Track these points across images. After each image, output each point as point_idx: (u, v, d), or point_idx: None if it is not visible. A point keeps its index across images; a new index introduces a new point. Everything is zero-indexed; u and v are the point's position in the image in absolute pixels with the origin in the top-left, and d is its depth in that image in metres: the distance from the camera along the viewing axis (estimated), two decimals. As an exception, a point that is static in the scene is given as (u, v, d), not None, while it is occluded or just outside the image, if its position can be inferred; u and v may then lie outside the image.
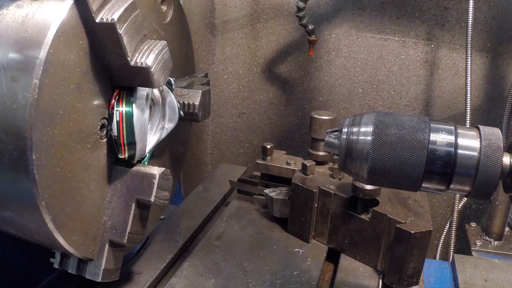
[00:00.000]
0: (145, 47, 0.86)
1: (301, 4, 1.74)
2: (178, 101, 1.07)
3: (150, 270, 1.16)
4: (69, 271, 0.96)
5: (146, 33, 0.87)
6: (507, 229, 1.76)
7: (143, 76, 0.87)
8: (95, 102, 0.88)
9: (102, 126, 0.91)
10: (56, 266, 0.96)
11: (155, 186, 0.92)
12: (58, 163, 0.82)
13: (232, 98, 2.27)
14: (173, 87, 1.07)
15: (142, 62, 0.84)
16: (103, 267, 0.94)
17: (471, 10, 1.57)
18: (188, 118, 1.12)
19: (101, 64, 0.86)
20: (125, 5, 0.81)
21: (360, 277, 1.18)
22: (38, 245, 0.91)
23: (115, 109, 0.90)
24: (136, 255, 1.22)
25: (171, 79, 1.06)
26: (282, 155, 1.57)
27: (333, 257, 1.29)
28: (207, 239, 1.31)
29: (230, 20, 2.14)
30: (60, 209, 0.85)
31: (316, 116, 1.40)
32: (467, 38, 1.60)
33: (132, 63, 0.84)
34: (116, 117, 0.90)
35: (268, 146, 1.52)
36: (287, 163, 1.50)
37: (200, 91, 1.10)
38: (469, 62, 1.62)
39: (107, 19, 0.79)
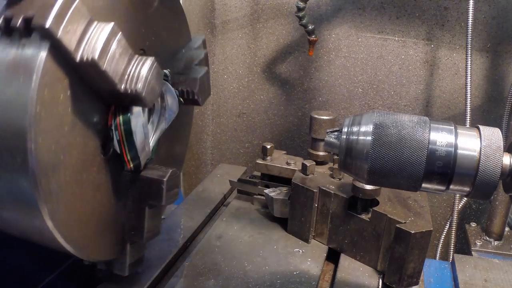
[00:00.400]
0: (133, 68, 0.83)
1: (301, 4, 1.74)
2: (177, 89, 1.05)
3: (150, 270, 1.16)
4: (98, 267, 1.03)
5: (131, 51, 0.83)
6: (507, 229, 1.76)
7: (135, 99, 0.86)
8: (92, 129, 0.87)
9: (104, 144, 0.91)
10: (86, 263, 1.03)
11: (165, 191, 0.95)
12: (69, 201, 0.84)
13: (232, 98, 2.27)
14: (169, 79, 1.05)
15: (132, 89, 0.82)
16: (128, 263, 1.01)
17: (471, 10, 1.57)
18: (189, 103, 1.11)
19: (90, 92, 0.84)
20: (105, 35, 0.75)
21: (360, 277, 1.18)
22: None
23: (113, 126, 0.89)
24: (136, 255, 1.22)
25: (167, 71, 1.03)
26: (282, 155, 1.57)
27: (333, 257, 1.29)
28: (207, 239, 1.31)
29: (230, 20, 2.14)
30: (81, 237, 0.89)
31: (316, 116, 1.40)
32: (467, 38, 1.60)
33: (122, 90, 0.82)
34: (116, 136, 0.90)
35: (268, 146, 1.52)
36: (287, 163, 1.50)
37: (198, 78, 1.06)
38: (469, 62, 1.62)
39: (87, 58, 0.74)
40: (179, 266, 1.21)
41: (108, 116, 0.89)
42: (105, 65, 0.76)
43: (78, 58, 0.74)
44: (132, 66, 0.83)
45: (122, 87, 0.82)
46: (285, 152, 1.60)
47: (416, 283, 1.14)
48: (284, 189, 1.42)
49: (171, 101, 1.03)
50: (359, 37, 1.97)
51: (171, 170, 0.97)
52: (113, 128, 0.89)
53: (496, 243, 1.74)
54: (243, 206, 1.52)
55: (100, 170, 0.91)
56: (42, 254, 1.02)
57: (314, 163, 1.38)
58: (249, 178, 1.61)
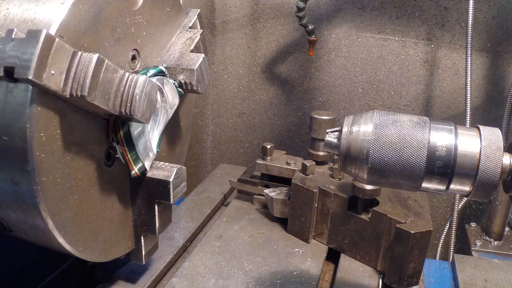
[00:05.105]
0: (126, 89, 0.82)
1: (301, 4, 1.74)
2: (175, 82, 1.04)
3: (150, 270, 1.16)
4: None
5: (121, 72, 0.82)
6: (507, 229, 1.76)
7: (132, 119, 0.87)
8: (94, 148, 0.88)
9: (109, 156, 0.92)
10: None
11: (171, 190, 0.97)
12: (81, 219, 0.87)
13: (232, 98, 2.27)
14: (166, 73, 1.04)
15: (126, 112, 0.82)
16: (143, 253, 1.07)
17: (471, 10, 1.57)
18: (189, 92, 1.10)
19: (87, 113, 0.83)
20: (91, 68, 0.74)
21: (360, 277, 1.18)
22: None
23: (115, 140, 0.91)
24: (136, 255, 1.22)
25: (163, 68, 1.02)
26: (282, 155, 1.57)
27: (333, 257, 1.29)
28: (207, 239, 1.31)
29: (230, 20, 2.14)
30: (95, 246, 0.93)
31: (316, 116, 1.40)
32: (467, 38, 1.60)
33: (117, 113, 0.82)
34: (119, 149, 0.91)
35: (268, 146, 1.52)
36: (287, 163, 1.50)
37: (195, 69, 1.04)
38: (469, 62, 1.62)
39: (77, 94, 0.74)
40: (179, 266, 1.21)
41: (109, 128, 0.90)
42: (96, 99, 0.76)
43: (68, 95, 0.74)
44: (124, 87, 0.82)
45: (117, 111, 0.82)
46: (285, 152, 1.60)
47: (416, 283, 1.14)
48: (284, 189, 1.42)
49: (171, 94, 1.02)
50: (359, 37, 1.97)
51: (176, 169, 0.98)
52: (115, 142, 0.91)
53: (496, 243, 1.74)
54: (243, 206, 1.52)
55: (109, 181, 0.93)
56: (43, 254, 1.02)
57: (314, 163, 1.38)
58: (249, 178, 1.61)
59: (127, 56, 0.93)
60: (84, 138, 0.85)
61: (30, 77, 0.67)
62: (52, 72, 0.70)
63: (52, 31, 0.73)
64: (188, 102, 1.23)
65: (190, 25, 1.14)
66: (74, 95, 0.74)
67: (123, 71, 0.82)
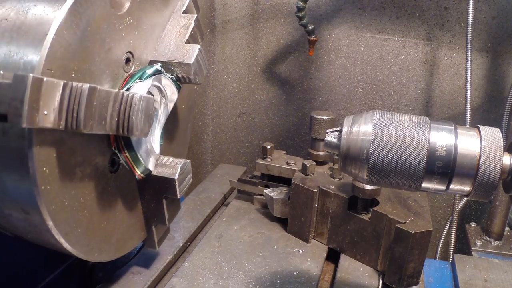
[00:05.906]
0: (122, 108, 0.80)
1: (301, 4, 1.74)
2: (172, 76, 1.02)
3: (150, 270, 1.16)
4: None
5: (115, 92, 0.79)
6: (507, 229, 1.76)
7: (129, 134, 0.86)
8: (98, 161, 0.88)
9: (113, 162, 0.92)
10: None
11: (177, 186, 0.98)
12: (93, 229, 0.88)
13: (232, 98, 2.27)
14: (163, 70, 1.01)
15: (124, 131, 0.81)
16: (156, 240, 1.11)
17: (471, 10, 1.57)
18: (187, 83, 1.07)
19: (85, 134, 0.80)
20: (84, 100, 0.71)
21: (360, 277, 1.18)
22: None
23: (117, 148, 0.91)
24: (136, 255, 1.22)
25: (158, 67, 0.99)
26: (282, 155, 1.57)
27: (333, 257, 1.29)
28: (207, 239, 1.31)
29: (230, 20, 2.14)
30: (109, 248, 0.95)
31: (316, 116, 1.40)
32: (467, 38, 1.60)
33: (115, 133, 0.81)
34: (122, 158, 0.92)
35: (268, 146, 1.52)
36: (287, 163, 1.50)
37: (191, 63, 1.00)
38: (469, 62, 1.62)
39: (72, 127, 0.72)
40: (179, 266, 1.21)
41: (109, 138, 0.90)
42: (92, 129, 0.74)
43: (63, 127, 0.72)
44: (120, 107, 0.80)
45: (114, 131, 0.81)
46: (285, 152, 1.60)
47: (416, 283, 1.14)
48: (284, 189, 1.42)
49: (169, 89, 1.02)
50: (359, 37, 1.97)
51: (180, 165, 0.99)
52: (117, 150, 0.91)
53: (496, 243, 1.74)
54: (243, 206, 1.52)
55: (116, 187, 0.94)
56: (43, 254, 1.02)
57: (314, 163, 1.38)
58: (249, 178, 1.61)
59: (120, 62, 0.90)
60: (86, 156, 0.84)
61: (24, 125, 0.65)
62: (45, 112, 0.68)
63: (39, 70, 0.70)
64: (187, 89, 1.20)
65: (184, 9, 1.08)
66: (70, 127, 0.72)
67: (116, 90, 0.80)
